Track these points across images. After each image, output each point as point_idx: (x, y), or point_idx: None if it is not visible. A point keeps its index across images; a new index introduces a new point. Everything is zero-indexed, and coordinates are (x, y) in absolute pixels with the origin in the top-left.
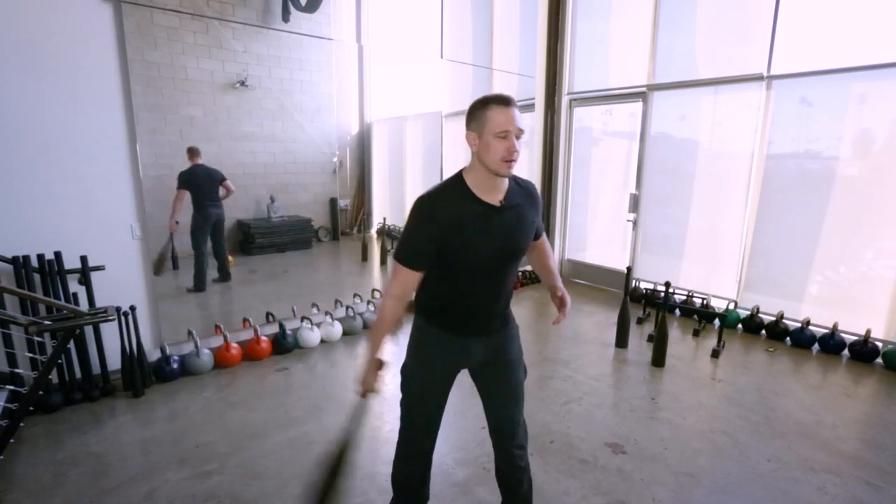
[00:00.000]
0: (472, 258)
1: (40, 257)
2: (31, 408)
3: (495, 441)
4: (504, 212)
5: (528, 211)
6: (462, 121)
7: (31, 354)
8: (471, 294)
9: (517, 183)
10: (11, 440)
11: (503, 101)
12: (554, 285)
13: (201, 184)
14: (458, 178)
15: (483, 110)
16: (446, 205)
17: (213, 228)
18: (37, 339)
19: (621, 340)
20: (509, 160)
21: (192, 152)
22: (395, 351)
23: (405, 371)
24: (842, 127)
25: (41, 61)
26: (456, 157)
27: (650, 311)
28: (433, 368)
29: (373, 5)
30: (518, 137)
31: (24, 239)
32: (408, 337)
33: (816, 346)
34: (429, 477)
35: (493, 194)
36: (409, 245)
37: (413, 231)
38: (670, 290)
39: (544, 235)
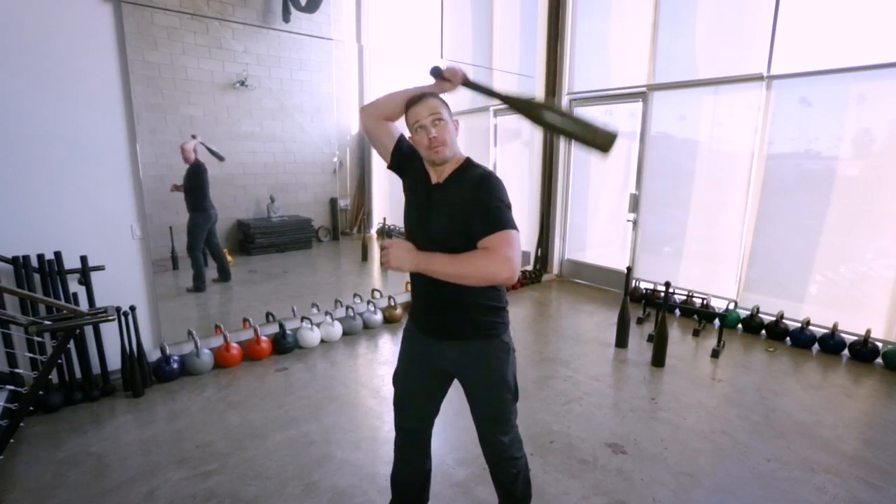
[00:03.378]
0: (406, 219)
1: (40, 257)
2: (31, 408)
3: (485, 454)
4: (437, 189)
5: (455, 197)
6: (462, 120)
7: (31, 354)
8: (422, 279)
9: (466, 171)
10: (11, 440)
11: (413, 100)
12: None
13: (205, 183)
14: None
15: (406, 112)
16: (413, 157)
17: (210, 228)
18: (37, 339)
19: (621, 340)
20: (431, 147)
21: (197, 151)
22: (395, 351)
23: (395, 370)
24: (842, 127)
25: (41, 61)
26: None
27: (650, 311)
28: (409, 368)
29: (373, 5)
30: (437, 123)
31: (24, 239)
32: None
33: (816, 346)
34: (426, 487)
35: (437, 176)
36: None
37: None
38: (670, 290)
39: (490, 239)
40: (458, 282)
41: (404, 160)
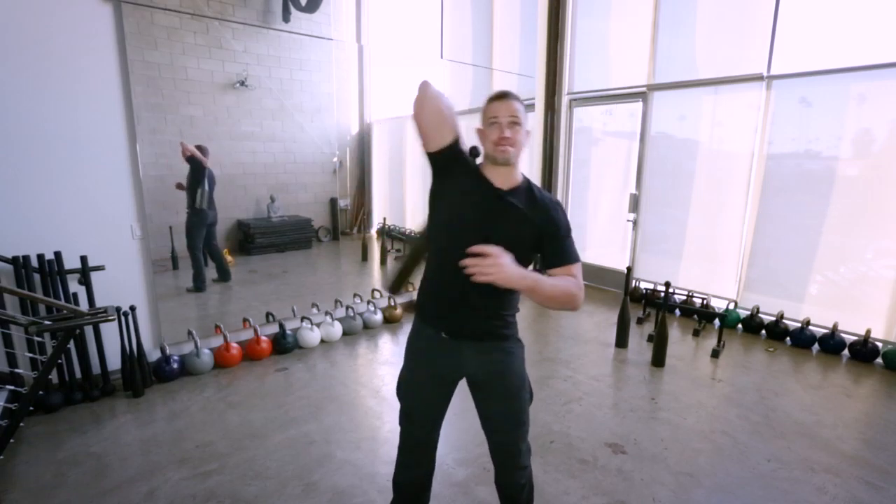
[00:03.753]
0: (453, 219)
1: (40, 257)
2: (31, 408)
3: (495, 462)
4: (502, 198)
5: (532, 215)
6: (463, 120)
7: (31, 354)
8: (449, 279)
9: (537, 191)
10: (11, 440)
11: (497, 96)
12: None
13: (209, 185)
14: (478, 165)
15: (485, 104)
16: (466, 159)
17: (207, 229)
18: (37, 339)
19: (621, 340)
20: (498, 144)
21: (203, 152)
22: (395, 351)
23: (399, 379)
24: (842, 127)
25: (41, 61)
26: None
27: (650, 311)
28: (420, 376)
29: (373, 5)
30: (514, 125)
31: (24, 239)
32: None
33: (816, 346)
34: (429, 485)
35: (500, 181)
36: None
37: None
38: (670, 290)
39: (572, 268)
40: (546, 304)
41: (455, 159)
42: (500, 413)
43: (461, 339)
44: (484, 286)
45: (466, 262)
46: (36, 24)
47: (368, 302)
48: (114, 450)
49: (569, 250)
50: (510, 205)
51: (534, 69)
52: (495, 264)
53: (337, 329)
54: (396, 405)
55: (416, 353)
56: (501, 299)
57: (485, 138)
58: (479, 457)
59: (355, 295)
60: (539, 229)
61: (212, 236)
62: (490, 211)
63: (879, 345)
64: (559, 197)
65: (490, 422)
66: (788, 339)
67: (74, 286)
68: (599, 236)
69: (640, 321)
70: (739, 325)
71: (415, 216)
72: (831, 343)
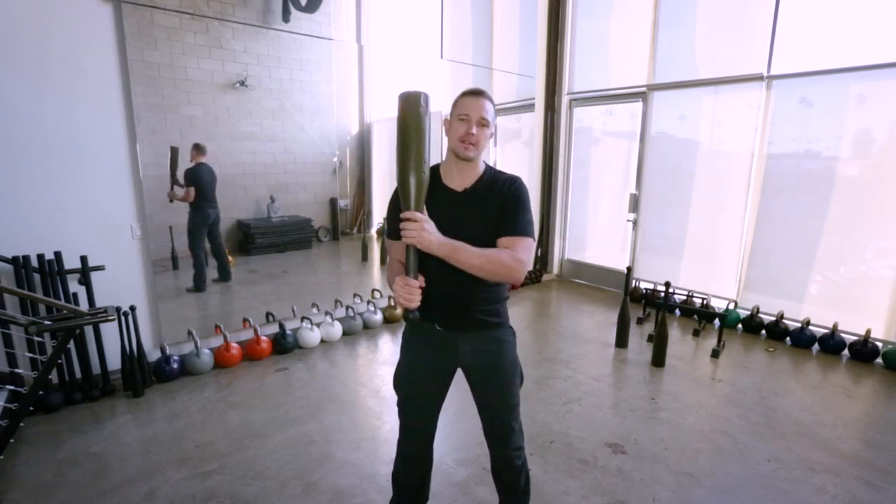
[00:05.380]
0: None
1: (40, 257)
2: (31, 408)
3: (490, 445)
4: (465, 198)
5: (490, 203)
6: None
7: (31, 354)
8: (438, 273)
9: (495, 177)
10: (11, 440)
11: (473, 92)
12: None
13: (205, 184)
14: (432, 167)
15: (458, 99)
16: None
17: (210, 228)
18: (37, 339)
19: (621, 340)
20: (465, 140)
21: (198, 149)
22: (395, 351)
23: (396, 370)
24: (842, 127)
25: (41, 61)
26: None
27: (650, 311)
28: (416, 369)
29: (373, 5)
30: (482, 126)
31: (24, 239)
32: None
33: (816, 346)
34: (428, 479)
35: (459, 180)
36: (387, 222)
37: (388, 210)
38: (670, 290)
39: (514, 240)
40: (474, 272)
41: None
42: (494, 397)
43: (455, 330)
44: (464, 285)
45: (401, 225)
46: (36, 24)
47: (368, 302)
48: (114, 450)
49: (514, 222)
50: (474, 202)
51: (534, 69)
52: (417, 228)
53: (337, 329)
54: (396, 405)
55: (411, 345)
56: (487, 290)
57: (451, 131)
58: (478, 457)
59: (355, 295)
60: (498, 209)
61: (216, 235)
62: (456, 211)
63: (879, 345)
64: (559, 197)
65: (485, 405)
66: (788, 339)
67: (74, 286)
68: (599, 236)
69: (640, 321)
70: (739, 325)
71: None
72: (831, 343)
